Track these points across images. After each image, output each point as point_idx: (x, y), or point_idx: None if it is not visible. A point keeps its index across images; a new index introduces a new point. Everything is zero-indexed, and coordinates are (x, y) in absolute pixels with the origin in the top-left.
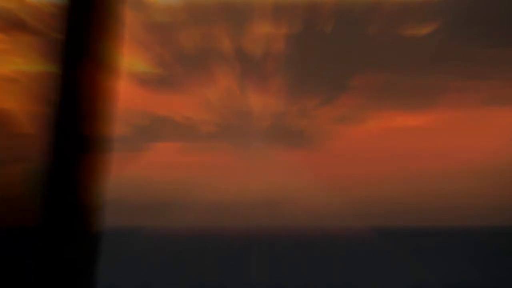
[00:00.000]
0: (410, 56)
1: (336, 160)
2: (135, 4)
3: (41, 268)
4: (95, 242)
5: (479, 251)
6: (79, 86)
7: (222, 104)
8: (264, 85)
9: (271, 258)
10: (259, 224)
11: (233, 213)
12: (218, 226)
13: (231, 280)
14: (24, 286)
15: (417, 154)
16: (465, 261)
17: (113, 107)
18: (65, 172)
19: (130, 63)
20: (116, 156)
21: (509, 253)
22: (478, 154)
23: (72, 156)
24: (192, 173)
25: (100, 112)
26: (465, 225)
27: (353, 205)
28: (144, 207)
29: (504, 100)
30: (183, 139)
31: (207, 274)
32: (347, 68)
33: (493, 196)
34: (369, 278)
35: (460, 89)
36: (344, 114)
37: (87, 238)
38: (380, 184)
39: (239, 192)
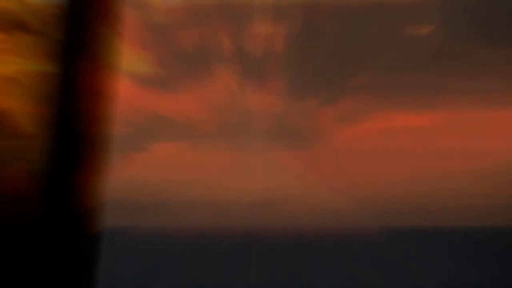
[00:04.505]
0: (410, 56)
1: (336, 160)
2: (135, 4)
3: (41, 269)
4: (95, 243)
5: (479, 251)
6: (79, 86)
7: (222, 104)
8: (264, 85)
9: (271, 258)
10: (259, 224)
11: (233, 213)
12: (218, 226)
13: (231, 280)
14: (24, 287)
15: (417, 154)
16: (465, 261)
17: (113, 107)
18: (65, 172)
19: (130, 63)
20: (116, 156)
21: (509, 253)
22: (478, 154)
23: (71, 156)
24: (192, 173)
25: (100, 112)
26: (465, 225)
27: (353, 205)
28: (144, 207)
29: (504, 100)
30: (183, 139)
31: (207, 274)
32: (347, 68)
33: (493, 196)
34: (369, 278)
35: (460, 89)
36: (344, 114)
37: (87, 238)
38: (380, 184)
39: (239, 192)
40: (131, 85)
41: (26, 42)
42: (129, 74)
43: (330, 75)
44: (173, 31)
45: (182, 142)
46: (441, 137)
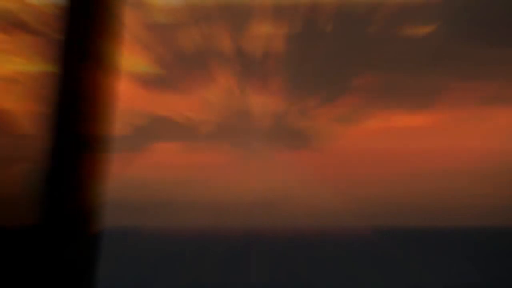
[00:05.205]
0: (410, 56)
1: (336, 160)
2: (135, 4)
3: (41, 269)
4: (95, 242)
5: (479, 251)
6: (79, 86)
7: (222, 104)
8: (264, 85)
9: (271, 258)
10: (259, 224)
11: (233, 213)
12: (218, 226)
13: (231, 280)
14: (24, 287)
15: (417, 154)
16: (465, 261)
17: (113, 107)
18: (65, 172)
19: (130, 63)
20: (116, 156)
21: (509, 253)
22: (478, 154)
23: (72, 156)
24: (192, 173)
25: (100, 112)
26: (465, 225)
27: (353, 205)
28: (144, 207)
29: (504, 100)
30: (183, 139)
31: (207, 274)
32: (347, 68)
33: (493, 196)
34: (369, 278)
35: (460, 89)
36: (344, 114)
37: (87, 238)
38: (380, 184)
39: (239, 192)
40: (131, 85)
41: (26, 42)
42: (129, 74)
43: (330, 75)
44: (173, 31)
45: (182, 142)
46: (441, 137)
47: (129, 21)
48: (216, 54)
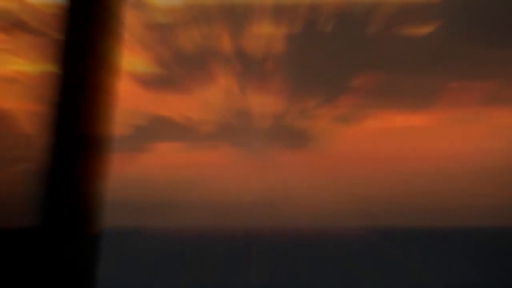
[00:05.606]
0: (410, 56)
1: (336, 160)
2: (135, 4)
3: (41, 269)
4: (95, 243)
5: (479, 251)
6: (80, 86)
7: (222, 104)
8: (264, 85)
9: (271, 258)
10: (259, 224)
11: (233, 213)
12: (218, 226)
13: (231, 280)
14: (25, 287)
15: (416, 154)
16: (465, 261)
17: (113, 107)
18: (65, 172)
19: (130, 63)
20: (116, 156)
21: (509, 253)
22: (478, 154)
23: (72, 156)
24: (192, 173)
25: (100, 112)
26: (465, 225)
27: (353, 205)
28: (144, 207)
29: (504, 100)
30: (183, 139)
31: (207, 274)
32: (347, 68)
33: (493, 196)
34: (369, 278)
35: (460, 89)
36: (344, 114)
37: (87, 238)
38: (380, 184)
39: (239, 192)
40: (131, 85)
41: (26, 42)
42: (129, 74)
43: (330, 75)
44: (173, 31)
45: (182, 142)
46: (441, 137)
47: (129, 21)
48: (216, 54)
